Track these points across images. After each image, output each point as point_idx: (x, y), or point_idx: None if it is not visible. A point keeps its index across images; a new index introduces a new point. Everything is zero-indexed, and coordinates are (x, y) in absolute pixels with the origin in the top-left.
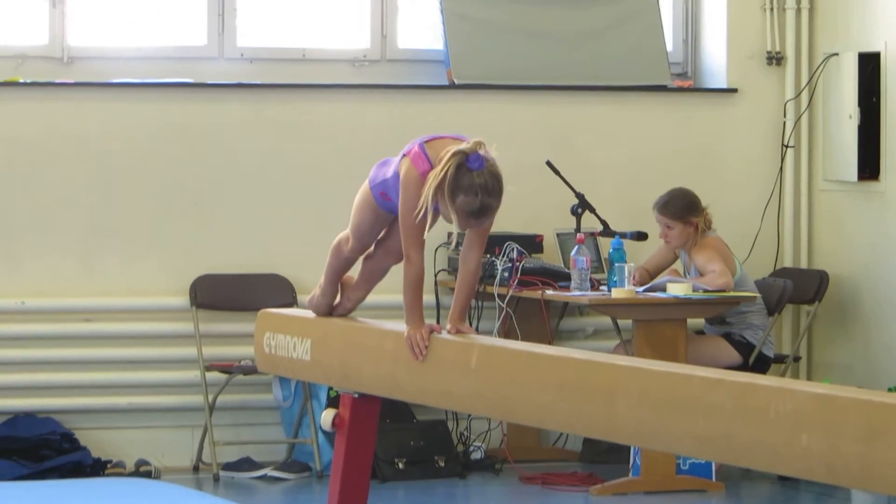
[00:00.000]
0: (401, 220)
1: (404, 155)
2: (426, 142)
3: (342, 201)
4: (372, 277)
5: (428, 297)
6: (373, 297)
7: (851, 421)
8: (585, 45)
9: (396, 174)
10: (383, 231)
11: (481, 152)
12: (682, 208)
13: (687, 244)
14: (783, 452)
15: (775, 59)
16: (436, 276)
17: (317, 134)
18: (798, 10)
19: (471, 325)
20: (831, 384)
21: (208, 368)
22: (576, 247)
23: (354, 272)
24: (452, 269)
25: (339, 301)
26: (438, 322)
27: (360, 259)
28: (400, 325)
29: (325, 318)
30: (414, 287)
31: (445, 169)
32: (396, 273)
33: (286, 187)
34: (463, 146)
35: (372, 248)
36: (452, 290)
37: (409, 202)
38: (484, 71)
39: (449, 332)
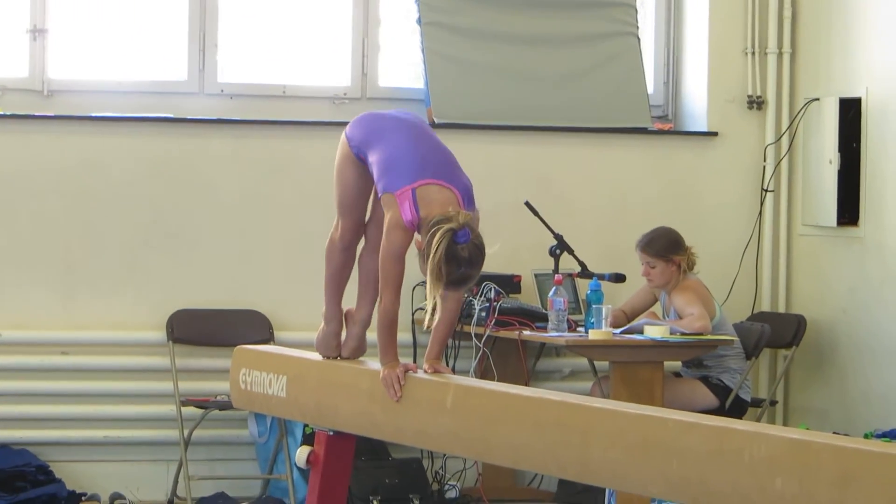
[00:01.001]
0: (381, 262)
1: (391, 193)
2: (418, 187)
3: (321, 238)
4: (369, 283)
5: (405, 336)
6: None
7: (826, 466)
8: (566, 86)
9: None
10: (370, 203)
11: (469, 227)
12: (666, 247)
13: (669, 284)
14: (757, 497)
15: (756, 103)
16: (413, 314)
17: (296, 171)
18: (779, 55)
19: (447, 364)
20: (807, 429)
21: (184, 403)
22: (553, 288)
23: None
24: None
25: (345, 337)
26: (415, 361)
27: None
28: (376, 364)
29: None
30: (388, 327)
31: (438, 252)
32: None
33: (265, 223)
34: (453, 222)
35: (364, 243)
36: (428, 329)
37: (391, 247)
38: (464, 110)
39: (426, 371)
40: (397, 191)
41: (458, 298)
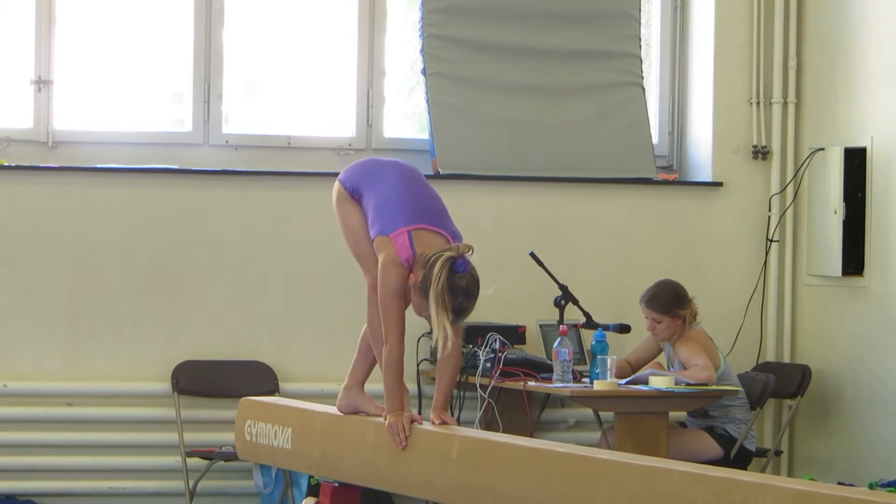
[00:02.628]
0: (381, 301)
1: (386, 234)
2: (414, 230)
3: (327, 289)
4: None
5: (410, 387)
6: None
7: None
8: (571, 136)
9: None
10: None
11: (467, 256)
12: (670, 302)
13: (673, 337)
14: None
15: (761, 153)
16: (418, 365)
17: (301, 222)
18: (784, 105)
19: (452, 414)
20: (812, 480)
21: (189, 454)
22: (558, 338)
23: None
24: (434, 359)
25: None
26: (420, 412)
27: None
28: (379, 418)
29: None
30: (393, 370)
31: (440, 278)
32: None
33: (270, 274)
34: (452, 251)
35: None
36: (433, 379)
37: (388, 284)
38: (469, 161)
39: (432, 422)
40: (392, 232)
41: (458, 347)
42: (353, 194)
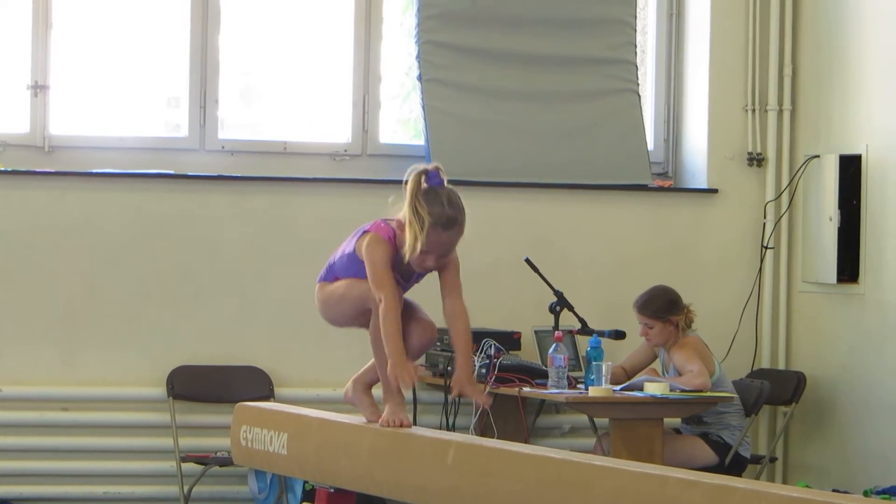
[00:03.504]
0: (370, 272)
1: (364, 231)
2: (385, 220)
3: None
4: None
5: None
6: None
7: None
8: (567, 143)
9: (350, 253)
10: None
11: (439, 170)
12: (662, 308)
13: (667, 343)
14: None
15: (756, 160)
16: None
17: (297, 227)
18: (780, 112)
19: (447, 423)
20: (807, 487)
21: (184, 459)
22: (554, 345)
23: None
24: (430, 364)
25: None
26: (415, 418)
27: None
28: (373, 424)
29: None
30: (393, 321)
31: (413, 187)
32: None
33: (266, 279)
34: (422, 166)
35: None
36: (430, 385)
37: (375, 257)
38: (465, 167)
39: (457, 395)
40: (371, 225)
41: (462, 304)
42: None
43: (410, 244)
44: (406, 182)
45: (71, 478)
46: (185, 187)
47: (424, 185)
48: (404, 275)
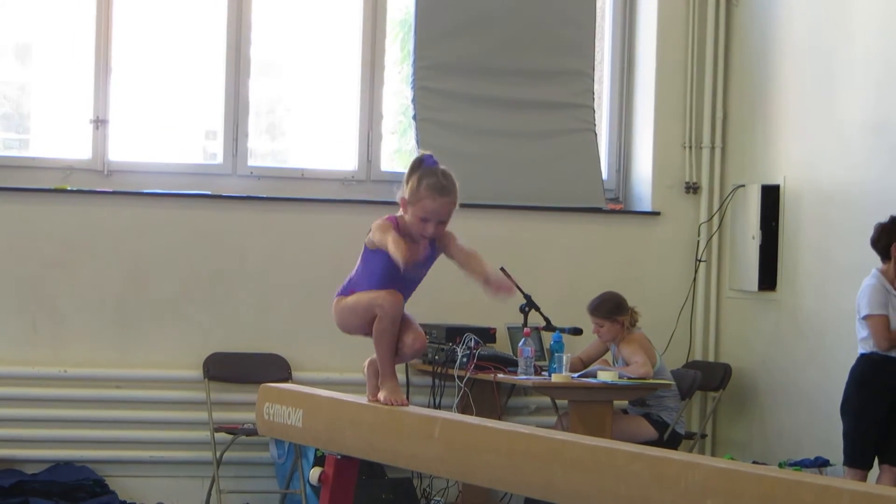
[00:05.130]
0: (378, 239)
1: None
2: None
3: (331, 294)
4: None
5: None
6: (355, 375)
7: (749, 491)
8: (535, 172)
9: (363, 253)
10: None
11: (433, 157)
12: (610, 310)
13: (616, 338)
14: None
15: (692, 188)
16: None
17: (312, 239)
18: (712, 149)
19: (434, 401)
20: (732, 459)
21: (217, 430)
22: (523, 339)
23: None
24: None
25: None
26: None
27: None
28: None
29: (314, 394)
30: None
31: (413, 165)
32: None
33: (285, 282)
34: (420, 153)
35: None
36: (420, 371)
37: (382, 228)
38: None
39: (492, 293)
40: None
41: (481, 260)
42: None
43: (412, 212)
44: (409, 169)
45: (123, 444)
46: (220, 206)
47: (421, 166)
48: (414, 257)
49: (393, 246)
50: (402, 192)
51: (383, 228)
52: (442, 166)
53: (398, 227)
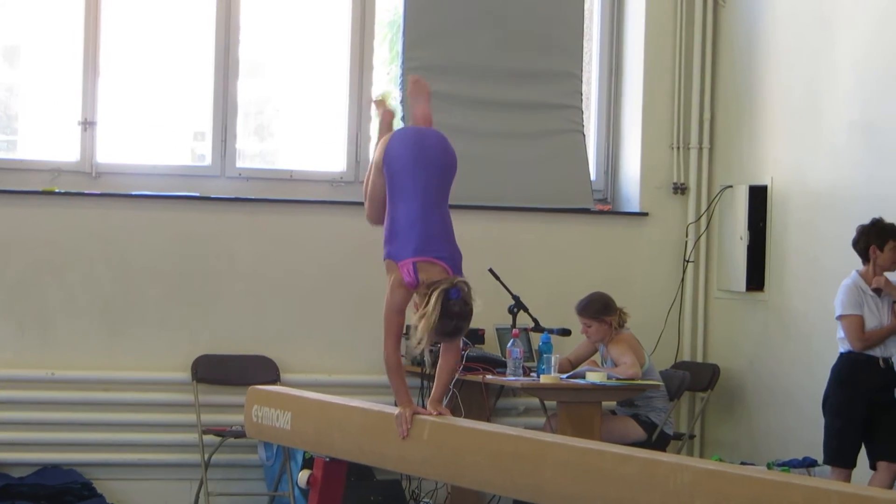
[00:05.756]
0: (385, 315)
1: (395, 261)
2: (418, 262)
3: (320, 296)
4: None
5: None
6: (344, 377)
7: (737, 492)
8: (525, 173)
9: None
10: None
11: (459, 287)
12: (598, 310)
13: (604, 339)
14: None
15: (680, 189)
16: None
17: (300, 241)
18: (700, 149)
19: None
20: (720, 460)
21: (205, 432)
22: (511, 340)
23: None
24: (408, 355)
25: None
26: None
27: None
28: (363, 402)
29: (303, 396)
30: (394, 371)
31: (433, 307)
32: (354, 354)
33: (274, 284)
34: (446, 284)
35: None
36: (409, 372)
37: (394, 302)
38: None
39: (430, 413)
40: (400, 261)
41: (457, 349)
42: (385, 170)
43: (419, 337)
44: (430, 295)
45: (111, 447)
46: (208, 207)
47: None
48: None
49: (398, 420)
50: (421, 305)
51: (391, 305)
52: (464, 297)
53: (413, 287)
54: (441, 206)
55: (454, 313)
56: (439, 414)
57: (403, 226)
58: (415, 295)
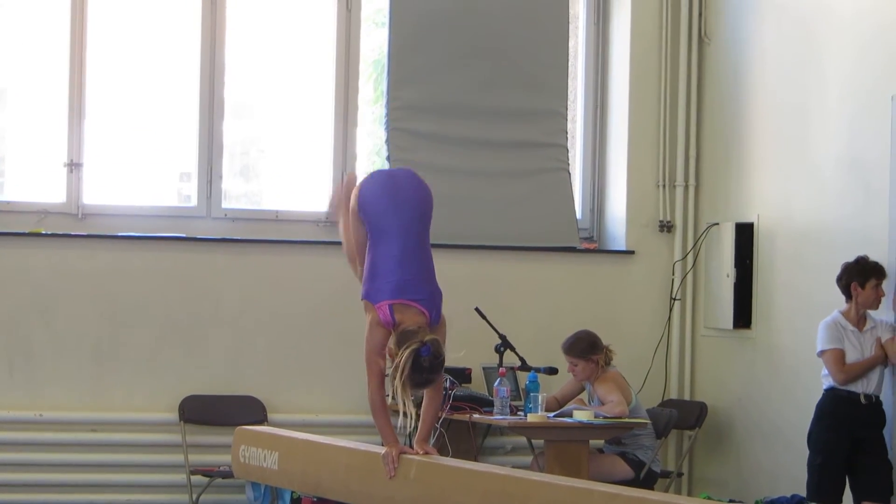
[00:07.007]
0: (366, 357)
1: (371, 302)
2: (394, 304)
3: (307, 337)
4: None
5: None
6: (331, 417)
7: None
8: (510, 211)
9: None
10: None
11: (430, 344)
12: (584, 349)
13: (591, 377)
14: None
15: (666, 226)
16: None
17: (286, 281)
18: (686, 187)
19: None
20: (708, 498)
21: (193, 473)
22: (498, 379)
23: None
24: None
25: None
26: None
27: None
28: (350, 442)
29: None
30: (378, 411)
31: (404, 363)
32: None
33: (260, 325)
34: (416, 343)
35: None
36: (395, 412)
37: (372, 342)
38: None
39: (416, 452)
40: (377, 303)
41: (439, 388)
42: (361, 215)
43: (394, 388)
44: (402, 354)
45: (99, 488)
46: (194, 248)
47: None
48: None
49: (385, 460)
50: (393, 355)
51: (370, 345)
52: (434, 350)
53: (390, 327)
54: (422, 247)
55: (424, 368)
56: (426, 453)
57: (382, 267)
58: (391, 337)
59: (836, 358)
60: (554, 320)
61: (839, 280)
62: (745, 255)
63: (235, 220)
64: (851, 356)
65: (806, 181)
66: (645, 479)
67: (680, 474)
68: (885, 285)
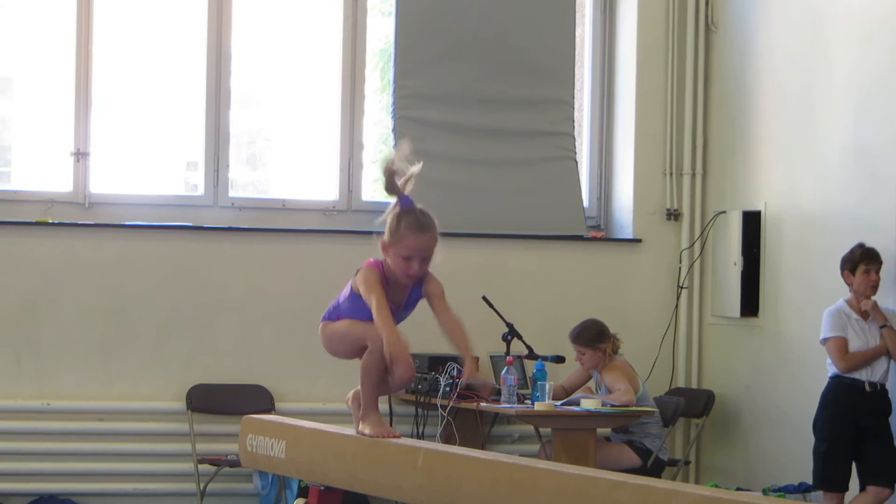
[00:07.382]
0: (363, 289)
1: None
2: (374, 258)
3: (314, 324)
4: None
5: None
6: (338, 405)
7: None
8: (517, 200)
9: (350, 293)
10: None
11: (410, 198)
12: (592, 338)
13: (598, 366)
14: None
15: (673, 215)
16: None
17: (293, 270)
18: (693, 175)
19: (417, 432)
20: (715, 486)
21: (200, 461)
22: (505, 367)
23: None
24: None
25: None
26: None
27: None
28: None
29: (297, 425)
30: (385, 313)
31: (391, 208)
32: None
33: (267, 313)
34: (396, 206)
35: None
36: (403, 401)
37: (368, 276)
38: None
39: (467, 383)
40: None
41: (454, 316)
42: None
43: (393, 254)
44: (387, 212)
45: (106, 476)
46: (201, 237)
47: (398, 207)
48: (398, 302)
49: (389, 346)
50: (382, 237)
51: (369, 285)
52: (419, 205)
53: (384, 274)
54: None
55: (417, 211)
56: (477, 359)
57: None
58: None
59: (839, 346)
60: (561, 309)
61: (840, 269)
62: (753, 243)
63: (242, 209)
64: (855, 344)
65: (813, 169)
66: (652, 467)
67: (687, 462)
68: (884, 271)
